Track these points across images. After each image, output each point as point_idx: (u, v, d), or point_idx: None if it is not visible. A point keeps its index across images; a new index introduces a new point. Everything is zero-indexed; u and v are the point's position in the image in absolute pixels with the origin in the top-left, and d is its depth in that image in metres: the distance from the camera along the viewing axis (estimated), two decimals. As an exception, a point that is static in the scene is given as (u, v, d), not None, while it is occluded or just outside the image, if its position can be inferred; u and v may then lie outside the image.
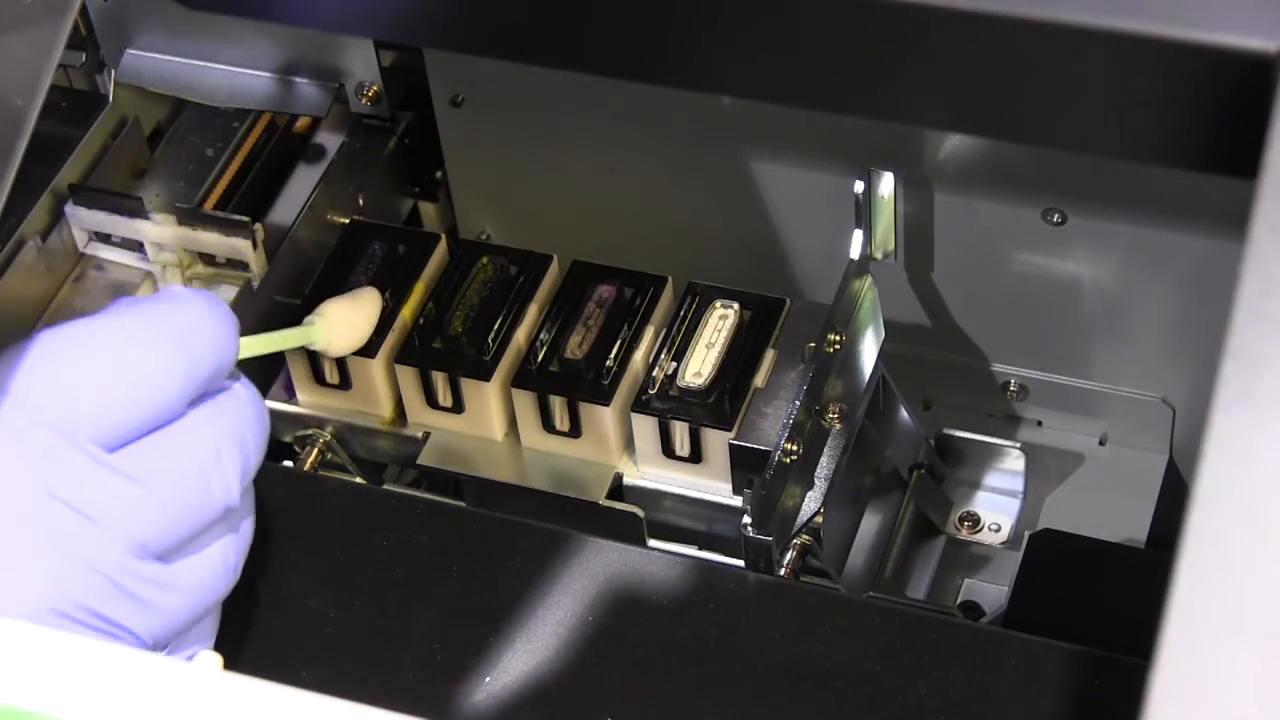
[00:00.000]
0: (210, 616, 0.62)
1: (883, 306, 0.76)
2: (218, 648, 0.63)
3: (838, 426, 0.73)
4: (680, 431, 0.72)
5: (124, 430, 0.57)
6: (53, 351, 0.57)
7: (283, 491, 0.71)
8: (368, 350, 0.74)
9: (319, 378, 0.76)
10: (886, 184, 0.76)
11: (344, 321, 0.73)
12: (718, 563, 0.72)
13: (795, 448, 0.70)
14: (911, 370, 0.83)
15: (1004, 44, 0.52)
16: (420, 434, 0.76)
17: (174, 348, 0.58)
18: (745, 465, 0.71)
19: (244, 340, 0.62)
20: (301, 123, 0.86)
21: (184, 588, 0.59)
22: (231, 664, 0.44)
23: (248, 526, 0.62)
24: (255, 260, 0.77)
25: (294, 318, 0.73)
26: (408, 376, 0.74)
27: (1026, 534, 0.78)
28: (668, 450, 0.72)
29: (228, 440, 0.59)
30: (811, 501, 0.72)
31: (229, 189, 0.83)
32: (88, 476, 0.56)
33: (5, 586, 0.55)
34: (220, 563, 0.60)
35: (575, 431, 0.73)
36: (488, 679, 0.66)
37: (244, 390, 0.61)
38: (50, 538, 0.55)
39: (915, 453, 0.80)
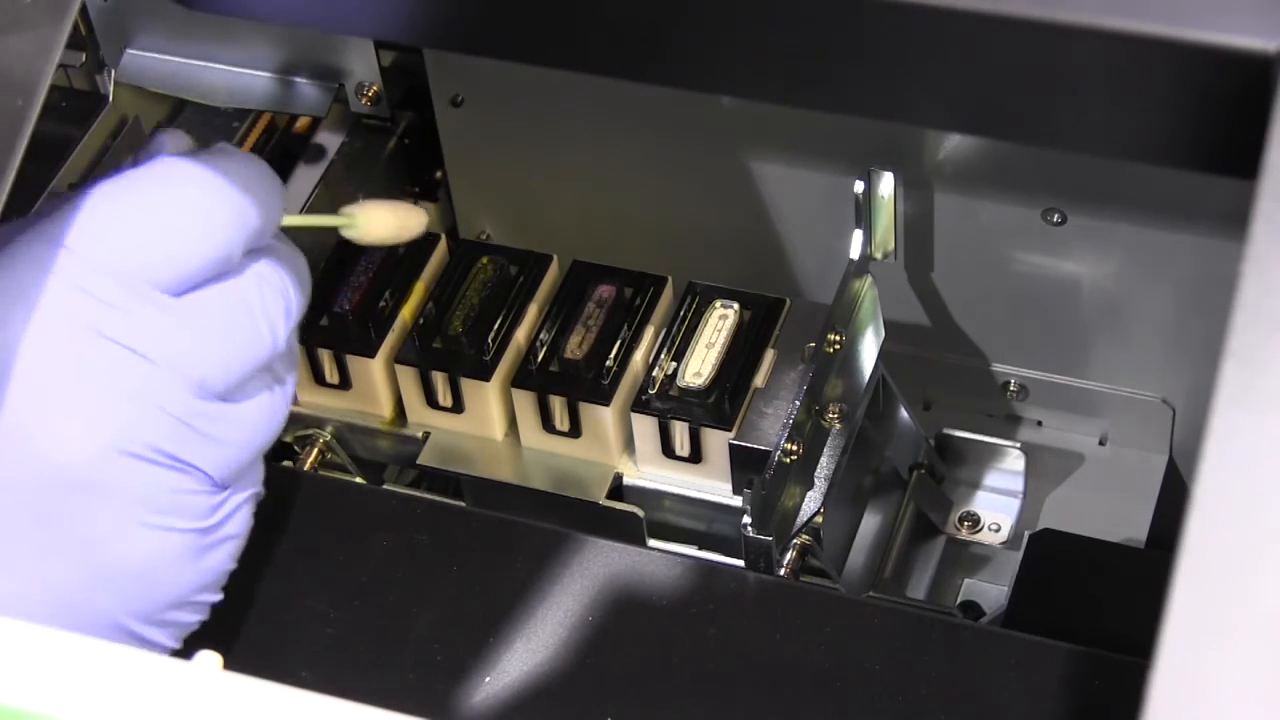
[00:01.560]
0: (259, 461, 0.64)
1: (883, 306, 0.76)
2: (218, 648, 0.63)
3: (838, 426, 0.73)
4: (680, 431, 0.72)
5: (182, 277, 0.60)
6: (111, 202, 0.59)
7: (283, 491, 0.71)
8: (367, 350, 0.74)
9: (319, 378, 0.76)
10: (886, 184, 0.76)
11: (381, 216, 0.70)
12: (718, 563, 0.72)
13: (795, 448, 0.70)
14: (911, 370, 0.83)
15: (1005, 44, 0.52)
16: (420, 434, 0.76)
17: (230, 198, 0.60)
18: (745, 465, 0.71)
19: (286, 216, 0.64)
20: (301, 123, 0.85)
21: (244, 422, 0.62)
22: (231, 664, 0.44)
23: (292, 377, 0.65)
24: (255, 260, 0.77)
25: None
26: (408, 376, 0.74)
27: (1026, 534, 0.78)
28: (668, 450, 0.72)
29: (275, 289, 0.62)
30: (811, 501, 0.72)
31: (229, 189, 0.82)
32: (148, 321, 0.58)
33: (71, 429, 0.57)
34: (270, 404, 0.63)
35: (575, 431, 0.73)
36: (488, 679, 0.66)
37: (287, 247, 0.64)
38: (114, 381, 0.58)
39: (915, 453, 0.80)
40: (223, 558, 0.63)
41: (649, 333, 0.74)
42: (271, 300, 0.62)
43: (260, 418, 0.63)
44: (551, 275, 0.76)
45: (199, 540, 0.61)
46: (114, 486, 0.58)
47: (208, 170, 0.61)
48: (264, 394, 0.63)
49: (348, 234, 0.70)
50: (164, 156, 0.62)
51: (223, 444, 0.61)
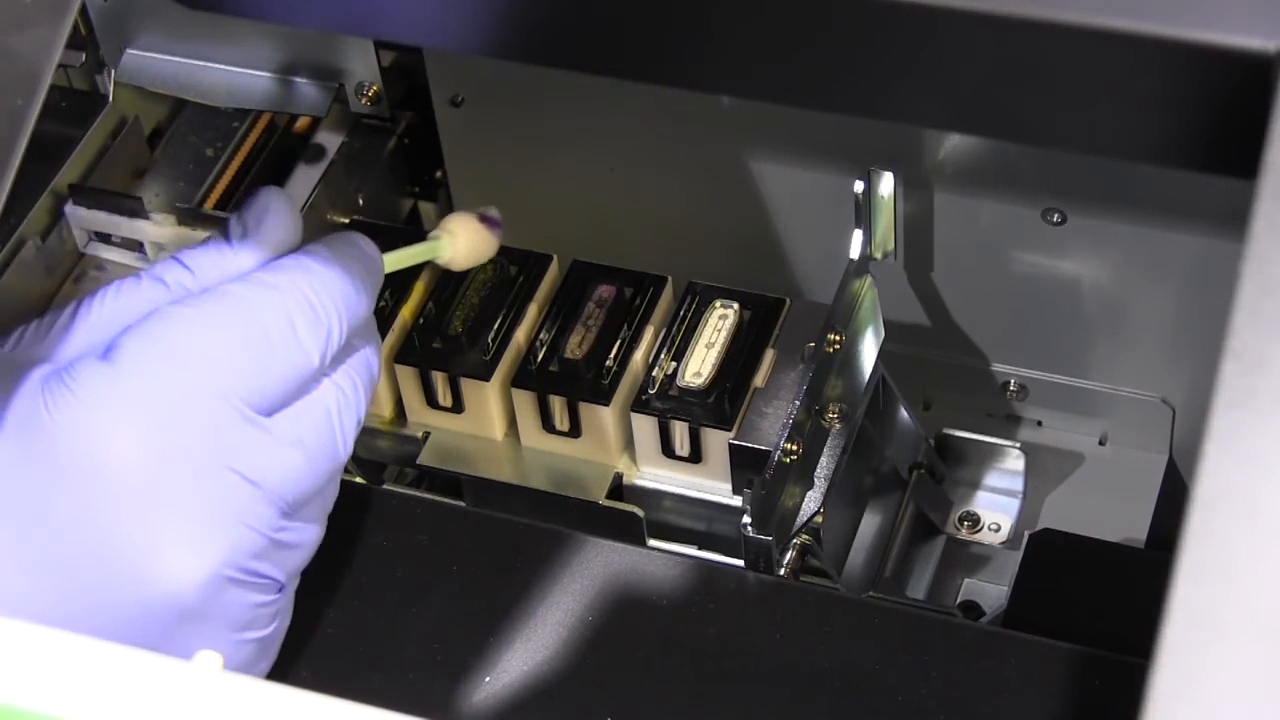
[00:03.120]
0: None
1: (883, 306, 0.76)
2: (218, 648, 0.63)
3: (838, 426, 0.73)
4: (680, 431, 0.72)
5: (278, 397, 0.60)
6: (219, 325, 0.60)
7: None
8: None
9: (319, 378, 0.76)
10: (886, 184, 0.76)
11: (469, 236, 0.70)
12: (718, 563, 0.72)
13: (795, 448, 0.70)
14: (911, 370, 0.83)
15: (1004, 44, 0.52)
16: (420, 434, 0.76)
17: (327, 314, 0.61)
18: (745, 465, 0.71)
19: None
20: (301, 123, 0.86)
21: (312, 523, 0.63)
22: (231, 664, 0.44)
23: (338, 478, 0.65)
24: (255, 260, 0.77)
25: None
26: (408, 376, 0.74)
27: (1026, 534, 0.78)
28: (668, 450, 0.72)
29: (350, 402, 0.63)
30: (811, 501, 0.72)
31: (229, 189, 0.83)
32: (259, 447, 0.60)
33: (189, 553, 0.58)
34: (330, 497, 0.64)
35: (575, 431, 0.73)
36: (488, 679, 0.66)
37: (361, 341, 0.64)
38: (228, 507, 0.59)
39: (915, 453, 0.80)
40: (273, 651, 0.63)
41: (649, 333, 0.74)
42: (347, 414, 0.63)
43: (322, 514, 0.63)
44: (551, 275, 0.76)
45: (261, 647, 0.62)
46: (213, 610, 0.59)
47: (309, 289, 0.61)
48: (328, 488, 0.63)
49: (440, 261, 0.70)
50: (261, 277, 0.61)
51: (295, 550, 0.62)
